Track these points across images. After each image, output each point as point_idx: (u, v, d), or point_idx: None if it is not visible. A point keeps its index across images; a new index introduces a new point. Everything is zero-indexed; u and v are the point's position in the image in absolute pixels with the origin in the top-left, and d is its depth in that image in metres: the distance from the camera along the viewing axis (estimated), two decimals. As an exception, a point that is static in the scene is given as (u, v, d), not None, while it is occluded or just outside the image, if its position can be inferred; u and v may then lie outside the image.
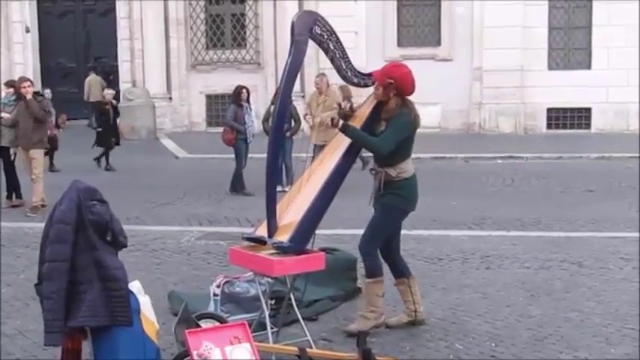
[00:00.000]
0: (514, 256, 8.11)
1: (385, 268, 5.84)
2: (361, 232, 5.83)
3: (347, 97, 11.04)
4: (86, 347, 4.60)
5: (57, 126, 15.61)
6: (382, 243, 5.76)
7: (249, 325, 4.86)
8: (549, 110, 20.90)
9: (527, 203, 11.58)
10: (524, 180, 13.94)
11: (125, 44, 22.21)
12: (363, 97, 5.97)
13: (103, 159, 15.44)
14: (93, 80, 22.25)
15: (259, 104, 18.78)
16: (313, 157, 6.23)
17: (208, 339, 4.52)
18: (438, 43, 21.04)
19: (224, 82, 20.18)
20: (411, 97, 5.66)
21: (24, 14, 22.38)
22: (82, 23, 23.30)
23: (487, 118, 20.83)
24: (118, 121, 15.95)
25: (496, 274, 7.45)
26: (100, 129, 15.45)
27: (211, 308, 5.89)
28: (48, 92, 15.96)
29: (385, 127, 5.55)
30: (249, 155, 12.70)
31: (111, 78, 22.55)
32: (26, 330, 5.86)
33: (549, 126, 20.97)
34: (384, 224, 5.73)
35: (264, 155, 5.31)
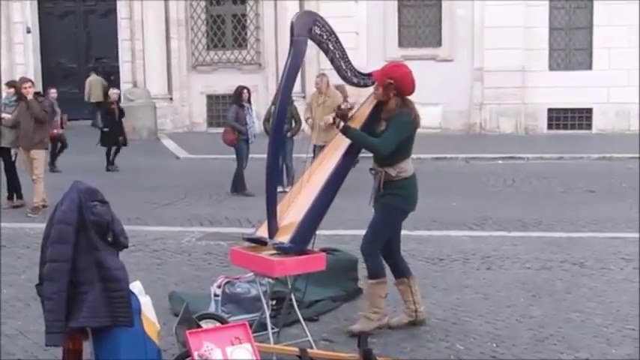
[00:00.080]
0: (515, 256, 8.11)
1: (385, 268, 5.84)
2: (362, 232, 5.83)
3: (344, 97, 11.04)
4: (87, 348, 4.60)
5: (61, 126, 15.64)
6: (384, 244, 5.76)
7: (250, 326, 4.86)
8: (550, 111, 20.91)
9: (528, 204, 11.58)
10: (525, 180, 13.93)
11: (126, 45, 22.24)
12: (362, 97, 5.97)
13: (105, 159, 15.48)
14: (94, 81, 22.28)
15: (260, 105, 18.80)
16: (313, 158, 6.23)
17: (209, 339, 4.52)
18: (439, 43, 21.04)
19: (225, 82, 20.20)
20: (411, 98, 5.66)
21: (25, 15, 22.42)
22: (82, 24, 23.32)
23: (488, 118, 20.83)
24: (123, 120, 16.00)
25: (497, 275, 7.45)
26: (106, 129, 15.50)
27: (212, 309, 5.89)
28: (54, 92, 15.95)
29: (385, 127, 5.55)
30: (250, 156, 12.70)
31: (112, 78, 22.58)
32: (27, 330, 5.86)
33: (550, 126, 20.97)
34: (384, 225, 5.73)
35: (265, 156, 5.31)
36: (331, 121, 5.70)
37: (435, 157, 16.35)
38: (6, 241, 8.84)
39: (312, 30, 5.20)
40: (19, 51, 22.36)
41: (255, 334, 4.87)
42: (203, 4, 22.02)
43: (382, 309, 5.79)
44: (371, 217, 5.79)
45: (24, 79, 11.52)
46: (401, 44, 21.03)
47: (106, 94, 22.19)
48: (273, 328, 5.26)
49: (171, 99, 22.04)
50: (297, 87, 18.18)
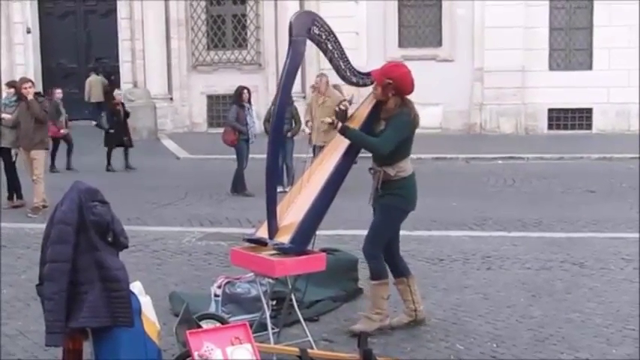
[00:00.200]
0: (515, 256, 8.11)
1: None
2: (362, 232, 5.83)
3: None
4: (87, 348, 4.60)
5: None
6: (385, 244, 5.75)
7: (250, 326, 4.86)
8: (550, 111, 20.91)
9: (528, 204, 11.58)
10: (525, 180, 13.94)
11: (126, 45, 22.24)
12: (361, 97, 5.97)
13: (106, 159, 15.51)
14: (94, 81, 22.28)
15: (260, 105, 18.80)
16: (313, 158, 6.23)
17: (209, 339, 4.52)
18: (439, 43, 21.04)
19: (225, 82, 20.21)
20: (411, 98, 5.66)
21: (25, 15, 22.41)
22: (83, 24, 23.31)
23: (488, 118, 20.83)
24: (128, 121, 16.05)
25: (497, 275, 7.45)
26: (112, 130, 15.53)
27: (212, 309, 5.89)
28: (59, 92, 15.96)
29: (385, 127, 5.55)
30: (250, 156, 12.70)
31: (112, 79, 22.57)
32: (27, 331, 5.86)
33: (550, 126, 20.97)
34: (385, 225, 5.72)
35: (265, 156, 5.31)
36: (329, 121, 5.69)
37: (436, 157, 16.36)
38: (6, 241, 8.84)
39: (310, 30, 5.19)
40: (19, 51, 22.36)
41: (255, 335, 4.87)
42: (203, 4, 22.02)
43: (384, 310, 5.78)
44: (371, 217, 5.80)
45: (24, 80, 11.53)
46: (401, 44, 21.03)
47: (106, 94, 22.29)
48: (273, 329, 5.26)
49: (171, 99, 22.04)
50: (297, 87, 18.20)
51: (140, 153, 15.78)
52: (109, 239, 4.50)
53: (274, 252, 5.18)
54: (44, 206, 10.73)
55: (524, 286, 7.01)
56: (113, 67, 22.76)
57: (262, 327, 5.32)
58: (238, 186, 12.58)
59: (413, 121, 5.60)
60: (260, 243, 5.31)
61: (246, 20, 21.97)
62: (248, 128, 12.66)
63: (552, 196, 12.36)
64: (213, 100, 22.01)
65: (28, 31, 22.43)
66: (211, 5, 22.13)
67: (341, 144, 5.60)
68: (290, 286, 5.52)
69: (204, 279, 7.15)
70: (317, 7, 18.49)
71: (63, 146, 15.48)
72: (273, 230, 5.22)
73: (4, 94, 11.98)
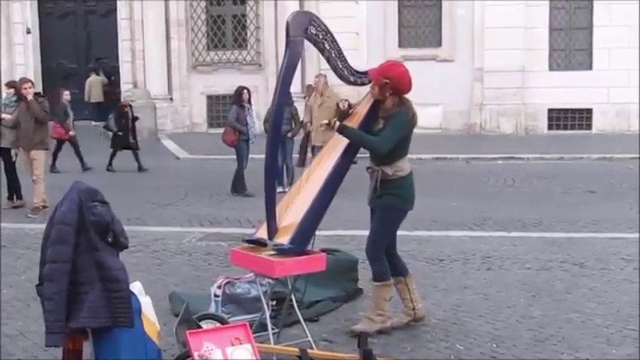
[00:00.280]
0: (515, 256, 8.11)
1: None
2: (361, 232, 5.84)
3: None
4: (87, 348, 4.60)
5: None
6: (387, 245, 5.75)
7: (250, 326, 4.86)
8: (550, 111, 20.91)
9: (528, 204, 11.58)
10: (525, 181, 13.94)
11: (126, 45, 22.25)
12: (360, 96, 5.95)
13: (108, 159, 15.53)
14: (94, 81, 22.29)
15: (260, 105, 18.80)
16: (312, 158, 6.23)
17: (209, 340, 4.52)
18: (439, 43, 21.05)
19: (225, 82, 20.22)
20: (411, 98, 5.66)
21: (25, 15, 22.43)
22: (82, 24, 23.32)
23: (488, 118, 20.83)
24: (136, 124, 16.09)
25: (497, 275, 7.45)
26: (120, 132, 15.57)
27: (212, 309, 5.89)
28: (67, 94, 15.94)
29: (383, 126, 5.54)
30: (250, 156, 12.70)
31: (112, 79, 22.57)
32: (27, 331, 5.86)
33: (550, 127, 20.98)
34: (385, 227, 5.72)
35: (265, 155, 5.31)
36: (326, 123, 5.68)
37: (436, 158, 16.36)
38: (6, 241, 8.84)
39: (307, 30, 5.18)
40: (19, 51, 22.38)
41: (255, 335, 4.87)
42: (203, 4, 22.02)
43: (386, 312, 5.77)
44: (371, 222, 5.79)
45: (24, 80, 11.53)
46: (401, 44, 21.04)
47: (106, 94, 22.32)
48: (273, 329, 5.25)
49: (171, 99, 22.04)
50: (297, 87, 18.19)
51: (140, 153, 15.79)
52: (109, 239, 4.49)
53: (274, 252, 5.18)
54: (44, 206, 10.73)
55: (524, 287, 7.01)
56: (113, 67, 22.77)
57: (262, 327, 5.32)
58: (238, 186, 12.59)
59: (411, 120, 5.60)
60: (259, 244, 5.31)
61: (246, 20, 21.98)
62: (248, 128, 12.66)
63: (552, 197, 12.35)
64: (213, 101, 22.02)
65: (28, 32, 22.44)
66: (211, 5, 22.14)
67: (339, 143, 5.59)
68: (290, 287, 5.52)
69: (204, 279, 7.15)
70: (317, 8, 18.51)
71: (66, 148, 15.48)
72: (272, 231, 5.22)
73: (4, 95, 11.98)
